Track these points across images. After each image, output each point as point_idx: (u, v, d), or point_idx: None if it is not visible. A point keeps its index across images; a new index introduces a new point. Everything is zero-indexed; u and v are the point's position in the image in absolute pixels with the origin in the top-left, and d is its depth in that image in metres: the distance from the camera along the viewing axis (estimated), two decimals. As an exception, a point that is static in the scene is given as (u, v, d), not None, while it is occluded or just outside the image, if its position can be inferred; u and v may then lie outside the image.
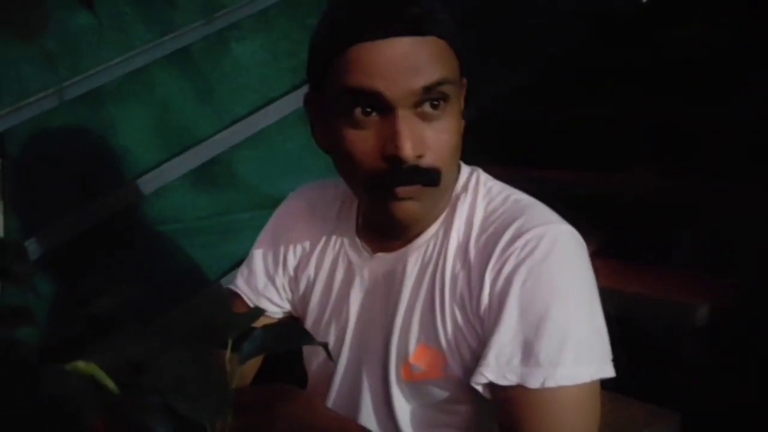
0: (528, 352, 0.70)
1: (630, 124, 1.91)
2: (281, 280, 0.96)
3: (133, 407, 0.36)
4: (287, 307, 0.98)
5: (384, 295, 0.84)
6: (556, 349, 0.69)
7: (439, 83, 0.71)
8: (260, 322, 0.95)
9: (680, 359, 1.27)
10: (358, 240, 0.88)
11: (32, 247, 1.40)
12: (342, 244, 0.90)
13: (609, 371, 0.72)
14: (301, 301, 0.95)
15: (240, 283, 0.99)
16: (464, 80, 0.80)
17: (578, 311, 0.72)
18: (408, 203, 0.75)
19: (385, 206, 0.76)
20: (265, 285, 0.97)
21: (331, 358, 0.89)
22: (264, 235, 1.00)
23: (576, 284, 0.73)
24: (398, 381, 0.81)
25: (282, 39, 1.71)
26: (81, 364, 0.33)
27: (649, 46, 2.21)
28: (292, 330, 0.45)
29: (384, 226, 0.85)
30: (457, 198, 0.82)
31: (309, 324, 0.93)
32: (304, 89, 0.85)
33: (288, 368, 0.99)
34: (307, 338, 0.45)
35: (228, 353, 0.41)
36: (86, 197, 1.48)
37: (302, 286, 0.94)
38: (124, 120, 1.53)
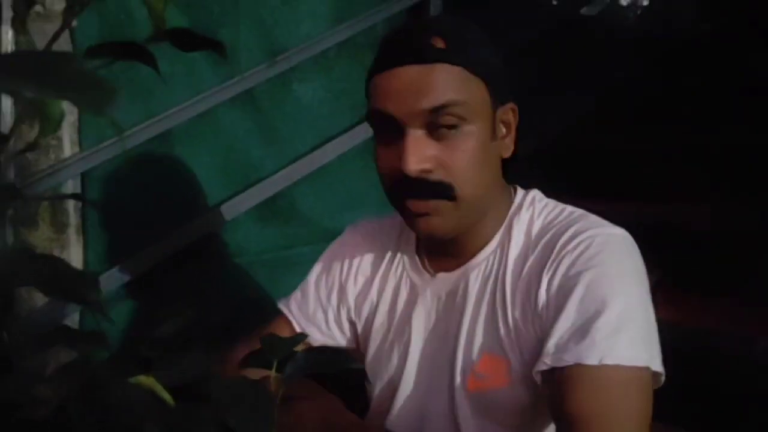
0: (585, 333, 0.73)
1: (693, 153, 1.88)
2: (334, 311, 1.01)
3: (189, 419, 0.40)
4: (336, 336, 1.02)
5: (447, 314, 0.88)
6: (614, 331, 0.72)
7: (446, 105, 0.77)
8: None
9: (742, 392, 1.24)
10: (418, 262, 0.93)
11: (109, 279, 1.50)
12: (404, 267, 0.95)
13: (662, 368, 0.75)
14: (365, 327, 0.99)
15: (292, 307, 1.04)
16: (511, 105, 0.86)
17: (634, 302, 0.75)
18: (426, 218, 0.81)
19: (410, 223, 0.84)
20: (314, 312, 1.02)
21: (369, 380, 0.93)
22: (320, 264, 1.05)
23: (631, 279, 0.77)
24: (464, 394, 0.84)
25: (341, 79, 1.78)
26: (142, 378, 0.37)
27: (716, 74, 2.18)
28: (332, 354, 0.48)
29: (436, 245, 0.90)
30: (514, 215, 0.87)
31: (373, 347, 0.97)
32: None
33: (349, 389, 1.02)
34: (346, 361, 0.48)
35: (273, 374, 0.44)
36: (158, 232, 1.56)
37: (365, 312, 0.99)
38: (193, 159, 1.62)
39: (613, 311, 0.73)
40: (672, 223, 1.74)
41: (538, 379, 0.76)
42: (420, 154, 0.78)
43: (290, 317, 1.04)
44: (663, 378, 0.76)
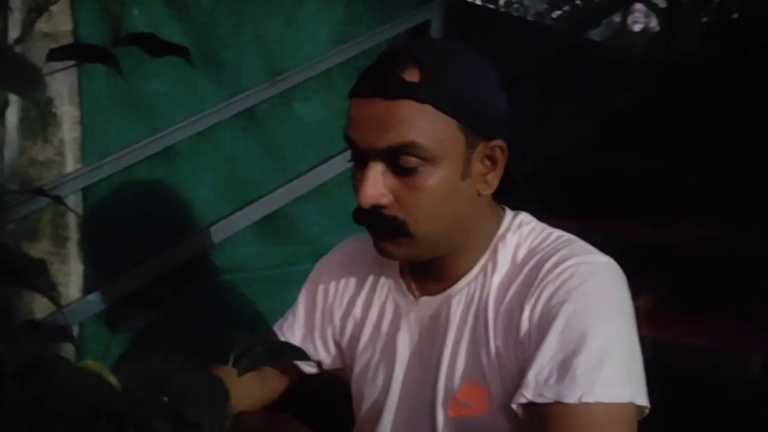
0: (565, 370, 0.71)
1: (689, 176, 1.88)
2: (320, 329, 1.02)
3: (140, 405, 0.41)
4: (322, 357, 1.03)
5: (430, 337, 0.88)
6: (594, 367, 0.70)
7: (407, 145, 0.75)
8: (294, 379, 1.00)
9: (735, 412, 1.22)
10: (403, 284, 0.93)
11: (109, 293, 1.52)
12: (389, 289, 0.95)
13: (645, 400, 0.73)
14: (349, 346, 0.99)
15: (284, 329, 1.05)
16: (497, 142, 0.82)
17: (617, 335, 0.74)
18: (386, 245, 0.82)
19: (374, 244, 0.84)
20: (303, 335, 1.03)
21: (321, 370, 0.96)
22: (307, 286, 1.06)
23: (614, 310, 0.76)
24: (447, 420, 0.83)
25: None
26: (90, 363, 0.39)
27: (717, 97, 2.19)
28: (287, 347, 0.49)
29: (419, 268, 0.90)
30: (500, 239, 0.86)
31: (358, 368, 0.97)
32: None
33: (335, 410, 1.03)
34: (300, 355, 0.49)
35: (228, 367, 0.46)
36: (158, 247, 1.58)
37: (348, 331, 0.99)
38: (194, 176, 1.65)
39: (594, 345, 0.71)
40: (669, 244, 1.73)
41: (518, 410, 0.75)
42: (375, 189, 0.77)
43: (281, 338, 1.04)
44: (647, 410, 0.75)
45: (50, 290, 0.42)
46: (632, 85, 2.42)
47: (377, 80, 0.77)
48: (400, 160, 0.76)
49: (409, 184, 0.77)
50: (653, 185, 1.97)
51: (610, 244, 1.78)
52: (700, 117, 2.15)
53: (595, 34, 3.23)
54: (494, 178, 0.83)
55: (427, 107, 0.75)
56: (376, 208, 0.79)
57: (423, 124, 0.75)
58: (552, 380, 0.72)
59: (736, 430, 1.20)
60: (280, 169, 1.76)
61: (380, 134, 0.75)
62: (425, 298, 0.89)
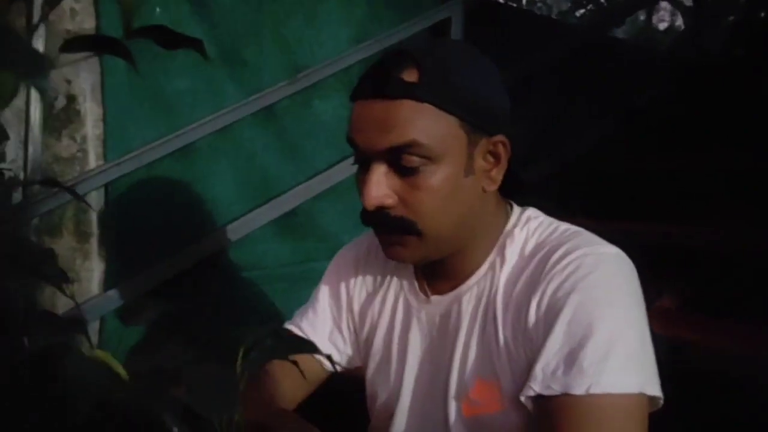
0: (572, 361, 0.71)
1: (713, 176, 1.85)
2: (346, 324, 1.01)
3: (147, 397, 0.42)
4: (350, 352, 1.02)
5: (442, 337, 0.87)
6: (602, 357, 0.70)
7: (408, 145, 0.75)
8: (315, 377, 1.00)
9: (748, 412, 1.20)
10: (416, 283, 0.93)
11: (130, 288, 1.53)
12: (401, 288, 0.95)
13: (657, 390, 0.72)
14: (365, 343, 0.99)
15: (304, 326, 1.03)
16: (499, 138, 0.81)
17: (624, 325, 0.73)
18: (395, 248, 0.81)
19: (381, 248, 0.84)
20: (331, 330, 1.02)
21: (335, 368, 0.95)
22: (326, 281, 1.05)
23: (622, 300, 0.75)
24: (459, 417, 0.83)
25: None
26: (99, 353, 0.39)
27: (741, 96, 2.15)
28: (297, 341, 0.49)
29: (429, 268, 0.90)
30: (507, 235, 0.85)
31: (372, 366, 0.97)
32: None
33: (350, 408, 1.02)
34: (312, 348, 0.49)
35: (239, 360, 0.46)
36: (178, 243, 1.60)
37: (366, 328, 0.99)
38: (214, 173, 1.66)
39: (601, 336, 0.71)
40: (693, 245, 1.71)
41: (527, 403, 0.74)
42: (379, 190, 0.77)
43: (304, 335, 1.02)
44: (661, 401, 0.74)
45: (60, 280, 0.42)
46: (656, 83, 2.39)
47: (377, 81, 0.77)
48: (402, 160, 0.76)
49: (413, 184, 0.77)
50: (677, 185, 1.94)
51: (633, 245, 1.76)
52: (724, 116, 2.11)
53: (620, 33, 3.19)
54: (498, 174, 0.83)
55: (427, 106, 0.75)
56: (382, 210, 0.78)
57: (423, 123, 0.75)
58: (559, 372, 0.71)
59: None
60: (299, 167, 1.76)
61: (381, 135, 0.75)
62: (436, 298, 0.89)
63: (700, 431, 1.22)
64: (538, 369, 0.73)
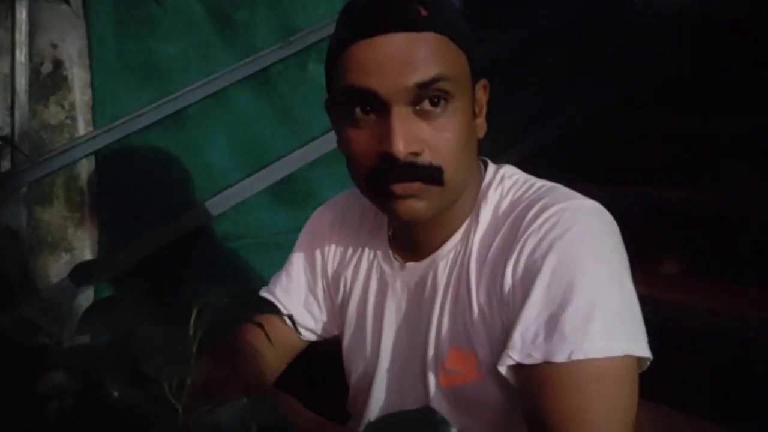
0: (553, 326, 0.67)
1: (719, 139, 1.80)
2: (321, 290, 0.98)
3: (96, 361, 0.39)
4: (325, 319, 0.99)
5: (417, 305, 0.84)
6: (583, 321, 0.65)
7: (435, 80, 0.69)
8: (293, 347, 0.97)
9: (760, 375, 1.18)
10: (390, 251, 0.88)
11: (123, 256, 1.51)
12: (375, 254, 0.90)
13: (644, 350, 0.68)
14: (339, 311, 0.96)
15: (277, 292, 0.99)
16: (483, 82, 0.79)
17: (606, 283, 0.68)
18: (410, 201, 0.73)
19: (388, 207, 0.75)
20: (305, 295, 0.99)
21: (297, 331, 0.91)
22: (300, 245, 1.01)
23: (602, 256, 0.70)
24: (438, 388, 0.80)
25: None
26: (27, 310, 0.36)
27: (747, 59, 2.09)
28: (253, 300, 0.46)
29: (406, 233, 0.85)
30: (483, 196, 0.81)
31: (347, 335, 0.93)
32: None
33: (329, 380, 1.00)
34: (269, 308, 0.46)
35: (192, 321, 0.43)
36: (172, 211, 1.57)
37: (340, 294, 0.95)
38: (207, 139, 1.63)
39: (582, 298, 0.66)
40: (699, 209, 1.66)
41: (506, 373, 0.69)
42: (409, 135, 0.70)
43: (276, 303, 0.99)
44: (649, 361, 0.69)
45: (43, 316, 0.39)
46: (660, 46, 2.32)
47: (392, 16, 0.70)
48: (429, 98, 0.70)
49: (439, 126, 0.71)
50: (679, 148, 1.89)
51: (636, 209, 1.72)
52: (727, 79, 2.05)
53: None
54: (484, 121, 0.79)
55: (445, 39, 0.71)
56: (410, 159, 0.71)
57: (446, 56, 0.71)
58: (540, 339, 0.67)
59: (762, 395, 1.15)
60: (295, 132, 1.73)
61: (407, 71, 0.69)
62: (411, 265, 0.84)
63: (706, 394, 1.20)
64: (517, 336, 0.69)
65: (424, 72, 0.69)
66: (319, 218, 1.01)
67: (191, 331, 0.42)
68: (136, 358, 0.41)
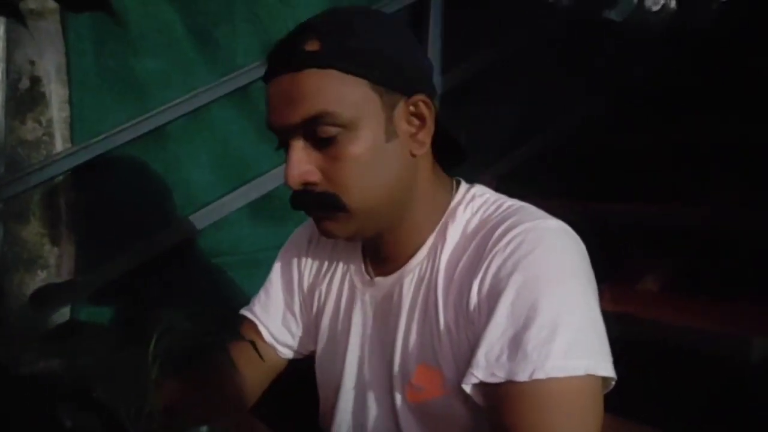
0: (516, 345, 0.67)
1: (700, 153, 1.82)
2: (298, 306, 0.99)
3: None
4: (301, 335, 1.00)
5: (384, 320, 0.84)
6: (546, 340, 0.66)
7: (318, 116, 0.72)
8: (273, 365, 0.97)
9: (738, 394, 1.18)
10: (362, 265, 0.90)
11: (100, 276, 1.50)
12: (348, 268, 0.92)
13: (608, 370, 0.68)
14: (314, 325, 0.97)
15: (256, 310, 1.01)
16: (420, 97, 0.78)
17: (570, 302, 0.69)
18: (325, 223, 0.79)
19: (317, 226, 0.81)
20: (283, 313, 1.00)
21: (261, 357, 0.92)
22: (279, 262, 1.03)
23: (566, 276, 0.71)
24: (404, 403, 0.80)
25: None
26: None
27: (732, 70, 2.11)
28: (217, 322, 0.46)
29: (371, 247, 0.88)
30: (452, 214, 0.82)
31: (319, 349, 0.94)
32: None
33: (303, 397, 0.99)
34: (234, 334, 0.46)
35: (151, 346, 0.43)
36: (151, 228, 1.56)
37: (314, 308, 0.96)
38: (187, 156, 1.62)
39: (546, 317, 0.67)
40: (675, 225, 1.67)
41: (470, 391, 0.70)
42: (300, 168, 0.75)
43: (255, 321, 1.00)
44: (614, 381, 0.70)
45: None
46: (641, 62, 2.35)
47: (280, 57, 0.76)
48: (318, 132, 0.74)
49: (332, 155, 0.74)
50: (657, 163, 1.91)
51: (615, 226, 1.73)
52: (706, 94, 2.07)
53: (612, 14, 3.15)
54: (425, 137, 0.79)
55: (332, 72, 0.73)
56: (307, 188, 0.76)
57: (331, 91, 0.73)
58: (503, 358, 0.67)
59: (739, 413, 1.16)
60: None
61: (292, 109, 0.74)
62: (379, 279, 0.86)
63: (686, 412, 1.20)
64: (481, 355, 0.69)
65: (307, 109, 0.73)
66: (298, 235, 1.03)
67: (150, 357, 0.42)
68: (91, 385, 0.41)
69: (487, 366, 0.68)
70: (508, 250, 0.72)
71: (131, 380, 0.41)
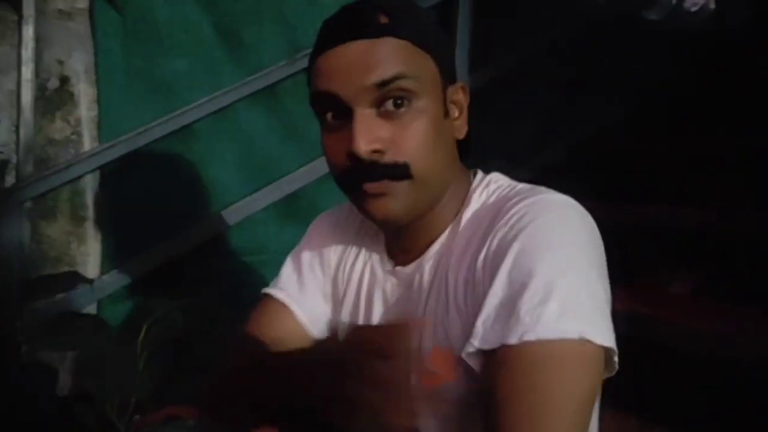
0: (510, 310, 0.66)
1: (727, 157, 1.76)
2: (328, 287, 0.97)
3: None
4: (329, 315, 0.98)
5: (404, 308, 0.83)
6: (539, 303, 0.64)
7: (394, 78, 0.72)
8: (296, 336, 0.95)
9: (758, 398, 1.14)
10: (385, 254, 0.89)
11: (126, 272, 1.51)
12: (370, 257, 0.91)
13: (605, 338, 0.64)
14: (335, 310, 0.96)
15: (292, 290, 0.97)
16: (461, 84, 0.81)
17: (566, 268, 0.66)
18: (381, 200, 0.76)
19: (363, 206, 0.77)
20: (316, 294, 0.97)
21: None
22: (306, 244, 1.01)
23: (565, 243, 0.69)
24: (421, 392, 0.78)
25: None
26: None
27: (754, 73, 2.04)
28: (199, 314, 0.44)
29: (394, 237, 0.86)
30: (468, 199, 0.82)
31: (341, 336, 0.92)
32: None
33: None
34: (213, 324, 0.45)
35: (141, 337, 0.41)
36: (176, 227, 1.57)
37: (339, 294, 0.95)
38: (213, 155, 1.63)
39: (540, 281, 0.65)
40: (708, 229, 1.62)
41: (472, 363, 0.69)
42: (370, 134, 0.73)
43: (288, 301, 0.96)
44: (615, 356, 0.66)
45: None
46: (673, 62, 2.29)
47: (353, 26, 0.75)
48: (390, 97, 0.73)
49: (401, 124, 0.74)
50: (693, 166, 1.85)
51: (646, 229, 1.68)
52: (740, 96, 2.01)
53: (651, 14, 3.09)
54: (463, 123, 0.82)
55: (406, 42, 0.75)
56: (373, 157, 0.73)
57: (406, 58, 0.74)
58: (497, 324, 0.66)
59: (759, 418, 1.11)
60: (302, 148, 1.72)
61: (366, 73, 0.73)
62: (399, 269, 0.86)
63: (717, 417, 1.16)
64: (479, 323, 0.68)
65: (382, 71, 0.72)
66: (323, 219, 1.03)
67: (138, 349, 0.40)
68: (81, 376, 0.40)
69: (483, 333, 0.67)
70: (510, 223, 0.71)
71: (120, 371, 0.40)
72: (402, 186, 0.75)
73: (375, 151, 0.73)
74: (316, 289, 0.98)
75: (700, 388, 1.21)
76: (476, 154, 0.90)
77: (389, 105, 0.74)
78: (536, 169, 2.07)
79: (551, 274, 0.65)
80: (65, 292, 1.12)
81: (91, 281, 1.19)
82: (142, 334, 0.38)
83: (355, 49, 0.73)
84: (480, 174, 0.86)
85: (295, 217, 1.72)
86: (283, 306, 0.97)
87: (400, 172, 0.74)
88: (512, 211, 0.72)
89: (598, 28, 2.21)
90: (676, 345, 1.28)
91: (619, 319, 0.70)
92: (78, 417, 0.36)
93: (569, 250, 0.68)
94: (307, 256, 1.00)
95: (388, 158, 0.74)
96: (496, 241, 0.71)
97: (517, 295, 0.66)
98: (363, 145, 0.72)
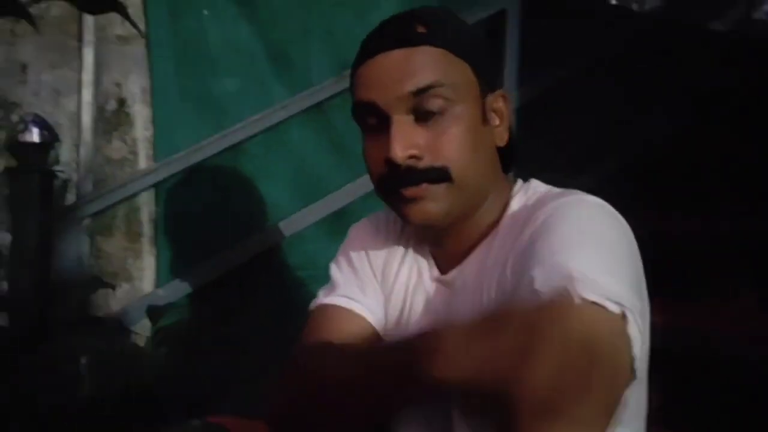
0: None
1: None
2: (378, 290, 0.96)
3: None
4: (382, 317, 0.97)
5: (446, 314, 0.83)
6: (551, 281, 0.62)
7: (431, 86, 0.74)
8: (358, 328, 0.94)
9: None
10: (431, 259, 0.89)
11: (180, 287, 1.54)
12: (415, 261, 0.91)
13: (614, 309, 0.59)
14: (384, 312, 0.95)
15: (355, 294, 0.93)
16: (501, 92, 0.82)
17: (591, 256, 0.64)
18: (420, 204, 0.77)
19: (402, 211, 0.78)
20: (377, 295, 0.96)
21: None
22: (352, 249, 0.97)
23: (589, 241, 0.67)
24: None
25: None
26: None
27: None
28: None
29: (436, 244, 0.86)
30: (509, 205, 0.82)
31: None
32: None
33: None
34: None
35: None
36: (228, 242, 1.60)
37: (385, 294, 0.94)
38: (263, 172, 1.66)
39: (560, 262, 0.63)
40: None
41: None
42: (407, 140, 0.74)
43: (351, 305, 0.91)
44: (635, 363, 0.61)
45: None
46: (730, 72, 2.23)
47: (392, 36, 0.77)
48: (427, 104, 0.75)
49: (439, 130, 0.76)
50: (755, 179, 1.80)
51: (713, 241, 1.63)
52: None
53: (717, 25, 3.04)
54: (505, 130, 0.82)
55: (444, 51, 0.76)
56: (410, 163, 0.75)
57: (443, 66, 0.76)
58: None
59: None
60: (350, 165, 1.73)
61: (403, 81, 0.74)
62: (443, 275, 0.86)
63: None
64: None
65: (419, 79, 0.74)
66: (362, 226, 1.00)
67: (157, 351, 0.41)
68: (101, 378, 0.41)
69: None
70: (539, 222, 0.72)
71: (141, 375, 0.41)
72: (440, 189, 0.76)
73: (411, 157, 0.74)
74: (376, 290, 0.97)
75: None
76: (524, 165, 0.90)
77: (426, 112, 0.75)
78: (593, 180, 2.04)
79: (570, 260, 0.63)
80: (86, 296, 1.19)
81: (113, 286, 1.22)
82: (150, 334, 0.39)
83: (392, 58, 0.75)
84: (520, 181, 0.86)
85: (342, 233, 1.72)
86: (347, 311, 0.95)
87: (439, 175, 0.75)
88: (543, 210, 0.73)
89: (659, 38, 2.17)
90: (744, 358, 1.24)
91: (682, 334, 0.68)
92: (100, 419, 0.37)
93: (592, 248, 0.67)
94: (355, 259, 0.97)
95: (425, 163, 0.75)
96: (524, 240, 0.72)
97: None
98: (399, 151, 0.73)
